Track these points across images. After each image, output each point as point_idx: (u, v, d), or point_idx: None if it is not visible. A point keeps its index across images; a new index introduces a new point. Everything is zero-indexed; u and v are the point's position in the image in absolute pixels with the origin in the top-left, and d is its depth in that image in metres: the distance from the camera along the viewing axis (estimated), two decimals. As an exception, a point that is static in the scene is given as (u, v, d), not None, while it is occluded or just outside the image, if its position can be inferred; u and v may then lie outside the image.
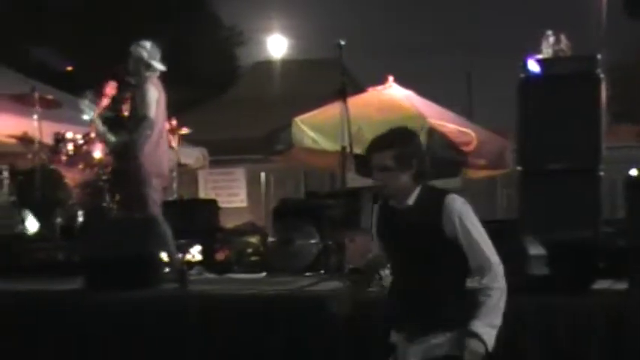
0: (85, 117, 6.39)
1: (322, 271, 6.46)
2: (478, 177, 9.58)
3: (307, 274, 6.41)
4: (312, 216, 6.91)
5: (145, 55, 6.08)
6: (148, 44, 6.12)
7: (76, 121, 8.07)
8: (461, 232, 2.98)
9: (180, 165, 8.86)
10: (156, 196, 6.07)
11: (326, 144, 8.20)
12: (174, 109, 7.73)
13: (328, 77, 10.95)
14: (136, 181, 6.06)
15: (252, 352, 4.93)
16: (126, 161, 6.20)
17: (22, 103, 7.86)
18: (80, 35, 19.93)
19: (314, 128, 8.48)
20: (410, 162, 3.07)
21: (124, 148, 6.10)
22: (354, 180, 6.79)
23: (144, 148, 5.96)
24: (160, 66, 6.11)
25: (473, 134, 8.64)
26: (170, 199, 7.90)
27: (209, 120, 12.81)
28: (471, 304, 2.94)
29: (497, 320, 2.94)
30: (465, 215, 3.00)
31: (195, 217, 7.71)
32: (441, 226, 2.99)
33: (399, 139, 3.17)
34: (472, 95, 18.50)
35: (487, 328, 2.91)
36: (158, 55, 6.15)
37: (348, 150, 6.34)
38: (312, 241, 6.73)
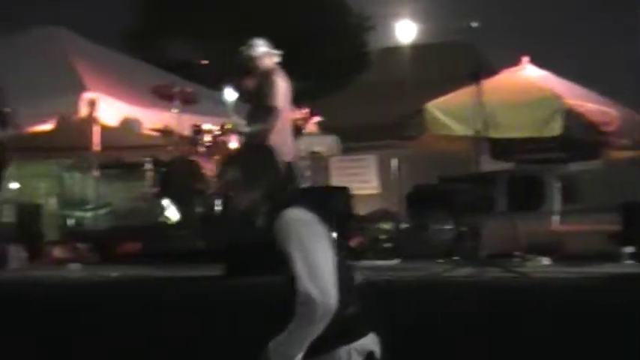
0: (225, 107, 6.62)
1: (457, 258, 6.38)
2: (621, 158, 9.15)
3: (441, 260, 6.34)
4: (445, 201, 6.83)
5: (262, 50, 6.34)
6: (259, 40, 6.38)
7: (212, 112, 8.34)
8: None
9: (311, 153, 8.96)
10: None
11: (458, 129, 8.07)
12: (305, 97, 7.85)
13: (460, 60, 10.80)
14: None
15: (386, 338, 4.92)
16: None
17: (163, 97, 8.14)
18: (214, 29, 20.48)
19: (446, 113, 8.36)
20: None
21: (253, 138, 6.29)
22: (488, 164, 6.66)
23: (267, 136, 6.18)
24: (277, 54, 6.34)
25: (615, 113, 8.27)
26: (303, 187, 8.01)
27: (340, 107, 12.87)
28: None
29: (292, 351, 2.75)
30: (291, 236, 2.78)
31: (329, 204, 7.77)
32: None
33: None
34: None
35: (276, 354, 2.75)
36: (272, 48, 6.40)
37: (481, 134, 6.22)
38: (447, 227, 6.65)
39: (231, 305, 5.41)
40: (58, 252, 7.57)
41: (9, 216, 7.73)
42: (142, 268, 6.48)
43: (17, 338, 5.88)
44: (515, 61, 9.05)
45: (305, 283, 2.71)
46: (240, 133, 6.71)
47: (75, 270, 6.44)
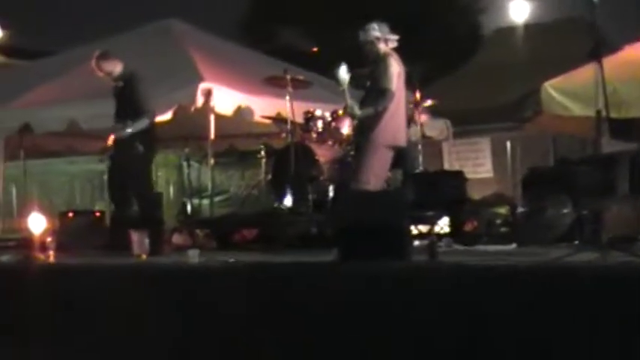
0: (338, 92, 6.66)
1: (577, 242, 6.17)
2: None
3: (560, 245, 6.16)
4: (564, 184, 6.61)
5: (376, 34, 6.33)
6: (374, 24, 6.36)
7: (324, 99, 8.39)
8: None
9: (424, 137, 8.87)
10: (380, 168, 6.24)
11: (577, 109, 7.80)
12: (417, 81, 7.78)
13: (578, 38, 10.43)
14: (363, 151, 6.31)
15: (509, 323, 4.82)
16: (361, 134, 6.46)
17: (274, 84, 8.24)
18: (325, 15, 20.58)
19: (564, 93, 8.09)
20: None
21: (366, 121, 6.32)
22: (610, 145, 6.40)
23: (381, 120, 6.20)
24: (394, 39, 6.32)
25: None
26: (416, 171, 7.96)
27: (452, 90, 12.69)
28: None
29: None
30: None
31: (442, 188, 7.68)
32: None
33: None
34: None
35: None
36: (388, 29, 6.37)
37: (603, 114, 5.98)
38: (565, 211, 6.44)
39: (345, 290, 5.43)
40: (177, 238, 7.81)
41: (132, 203, 8.03)
42: (258, 254, 6.59)
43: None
44: (638, 37, 8.66)
45: None
46: (353, 117, 6.74)
47: (193, 256, 6.62)
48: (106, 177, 7.55)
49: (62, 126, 9.06)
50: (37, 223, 7.63)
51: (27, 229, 7.64)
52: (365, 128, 6.52)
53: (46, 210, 7.97)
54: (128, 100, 7.14)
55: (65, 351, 4.83)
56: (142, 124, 7.09)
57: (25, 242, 7.62)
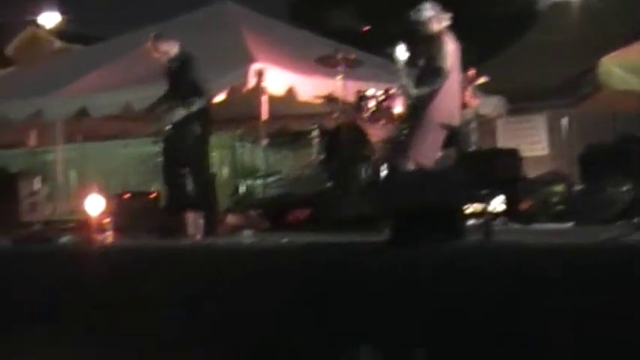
0: (390, 72, 6.62)
1: (635, 220, 6.04)
2: None
3: (619, 223, 6.03)
4: (623, 161, 6.47)
5: (429, 13, 6.29)
6: (427, 3, 6.32)
7: (376, 78, 8.33)
8: None
9: (478, 115, 8.76)
10: (433, 147, 6.20)
11: (638, 83, 7.61)
12: (472, 58, 7.67)
13: (638, 13, 10.13)
14: (417, 130, 6.27)
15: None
16: (415, 113, 6.42)
17: (326, 64, 8.21)
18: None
19: (625, 67, 7.89)
20: None
21: (421, 100, 6.28)
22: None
23: (435, 98, 6.15)
24: (447, 17, 6.26)
25: None
26: (470, 150, 7.87)
27: (506, 67, 12.49)
28: None
29: None
30: None
31: (496, 167, 7.58)
32: None
33: None
34: None
35: None
36: (440, 8, 6.33)
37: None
38: (624, 188, 6.30)
39: (397, 271, 5.42)
40: (231, 219, 7.87)
41: (187, 184, 8.12)
42: (311, 234, 6.61)
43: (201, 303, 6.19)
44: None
45: None
46: (407, 96, 6.70)
47: (247, 236, 6.68)
48: (160, 159, 7.62)
49: (117, 109, 9.20)
50: (94, 205, 7.77)
51: (84, 211, 7.80)
52: (419, 107, 6.47)
53: (102, 192, 8.10)
54: (183, 81, 7.18)
55: (124, 332, 4.91)
56: (198, 104, 7.13)
57: (83, 224, 7.78)
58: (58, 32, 21.87)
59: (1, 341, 3.37)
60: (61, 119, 10.07)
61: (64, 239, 7.65)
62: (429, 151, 6.43)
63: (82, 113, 9.49)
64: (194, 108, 7.11)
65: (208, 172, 7.64)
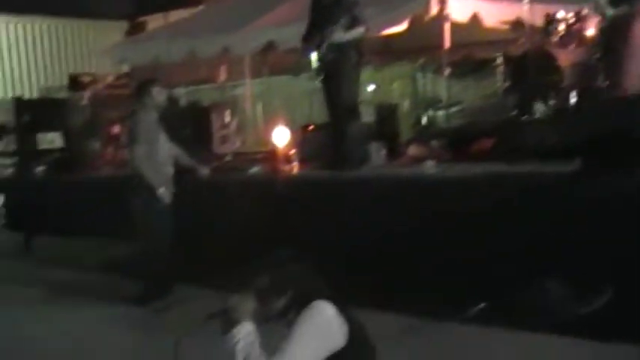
0: None
1: None
2: None
3: None
4: None
5: None
6: None
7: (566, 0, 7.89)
8: None
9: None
10: (636, 72, 5.75)
11: None
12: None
13: None
14: (617, 52, 5.85)
15: None
16: (613, 34, 6.01)
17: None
18: None
19: None
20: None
21: (617, 21, 5.86)
22: None
23: (638, 17, 5.72)
24: None
25: None
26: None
27: None
28: None
29: None
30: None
31: None
32: None
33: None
34: None
35: None
36: None
37: None
38: None
39: (587, 201, 5.20)
40: (412, 150, 7.85)
41: (369, 116, 8.16)
42: (495, 164, 6.46)
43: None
44: None
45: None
46: (603, 16, 6.28)
47: (429, 167, 6.64)
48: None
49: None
50: (281, 137, 8.03)
51: (272, 143, 8.07)
52: (619, 28, 6.01)
53: (288, 124, 8.33)
54: (346, 8, 7.04)
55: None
56: (358, 32, 7.02)
57: (271, 155, 8.07)
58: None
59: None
60: (249, 54, 10.40)
61: (254, 170, 7.98)
62: (632, 76, 5.98)
63: (269, 47, 9.73)
64: (354, 35, 7.00)
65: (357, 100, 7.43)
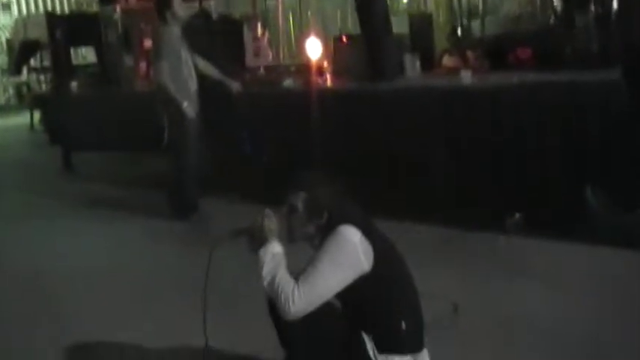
0: None
1: None
2: None
3: None
4: None
5: None
6: None
7: None
8: None
9: None
10: None
11: None
12: None
13: None
14: None
15: None
16: None
17: None
18: None
19: None
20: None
21: None
22: None
23: None
24: None
25: None
26: None
27: None
28: None
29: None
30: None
31: None
32: None
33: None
34: None
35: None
36: None
37: None
38: None
39: (628, 110, 5.10)
40: (448, 60, 7.72)
41: (403, 26, 7.99)
42: (534, 73, 6.33)
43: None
44: None
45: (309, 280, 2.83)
46: None
47: (466, 77, 6.52)
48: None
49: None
50: (313, 48, 7.92)
51: (305, 55, 7.97)
52: None
53: (321, 36, 8.21)
54: None
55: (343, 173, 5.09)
56: None
57: (304, 67, 7.98)
58: None
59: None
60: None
61: (287, 82, 7.92)
62: None
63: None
64: None
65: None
